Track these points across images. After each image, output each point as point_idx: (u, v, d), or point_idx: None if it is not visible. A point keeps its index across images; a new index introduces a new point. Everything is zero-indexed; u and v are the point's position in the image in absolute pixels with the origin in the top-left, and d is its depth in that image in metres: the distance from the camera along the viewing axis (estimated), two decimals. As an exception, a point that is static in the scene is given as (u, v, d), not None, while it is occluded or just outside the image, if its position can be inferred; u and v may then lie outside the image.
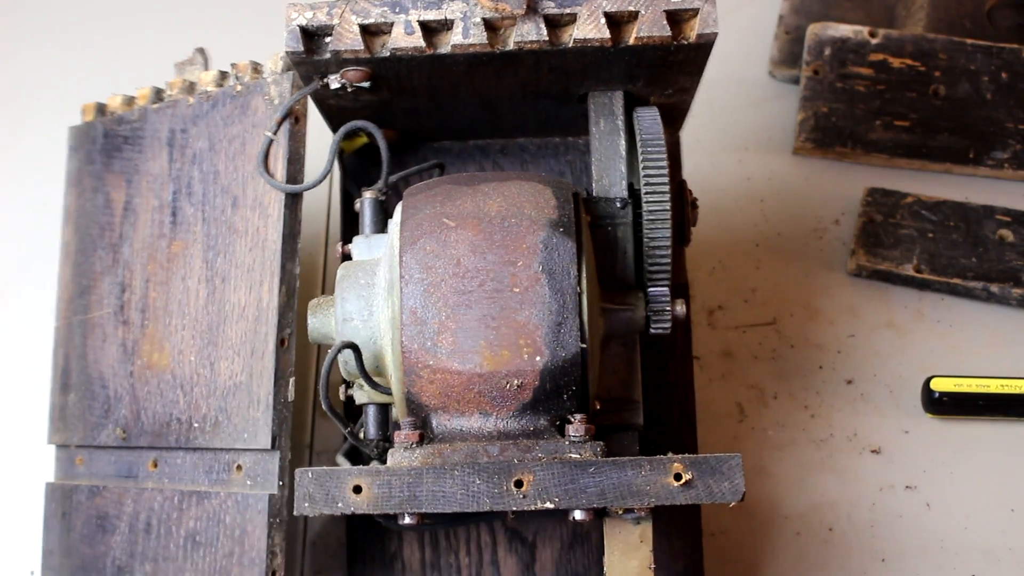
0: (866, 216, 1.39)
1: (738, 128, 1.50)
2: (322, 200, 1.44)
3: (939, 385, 1.28)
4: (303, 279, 1.07)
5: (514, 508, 0.85)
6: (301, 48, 0.97)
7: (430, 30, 0.96)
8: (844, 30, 1.47)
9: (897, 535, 1.27)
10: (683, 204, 1.07)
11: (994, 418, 1.30)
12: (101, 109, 1.24)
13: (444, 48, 0.96)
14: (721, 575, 1.26)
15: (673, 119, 1.13)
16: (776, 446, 1.31)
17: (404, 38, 0.96)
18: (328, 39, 0.97)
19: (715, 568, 1.24)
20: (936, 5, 1.49)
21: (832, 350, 1.36)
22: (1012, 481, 1.29)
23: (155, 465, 1.12)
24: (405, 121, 1.14)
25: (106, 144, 1.21)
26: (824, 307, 1.38)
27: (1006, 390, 1.28)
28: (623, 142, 1.03)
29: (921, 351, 1.35)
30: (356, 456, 1.11)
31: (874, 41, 1.46)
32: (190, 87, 1.17)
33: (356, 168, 1.18)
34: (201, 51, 1.18)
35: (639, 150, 0.98)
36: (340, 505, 0.85)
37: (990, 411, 1.29)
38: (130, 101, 1.22)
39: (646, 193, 0.97)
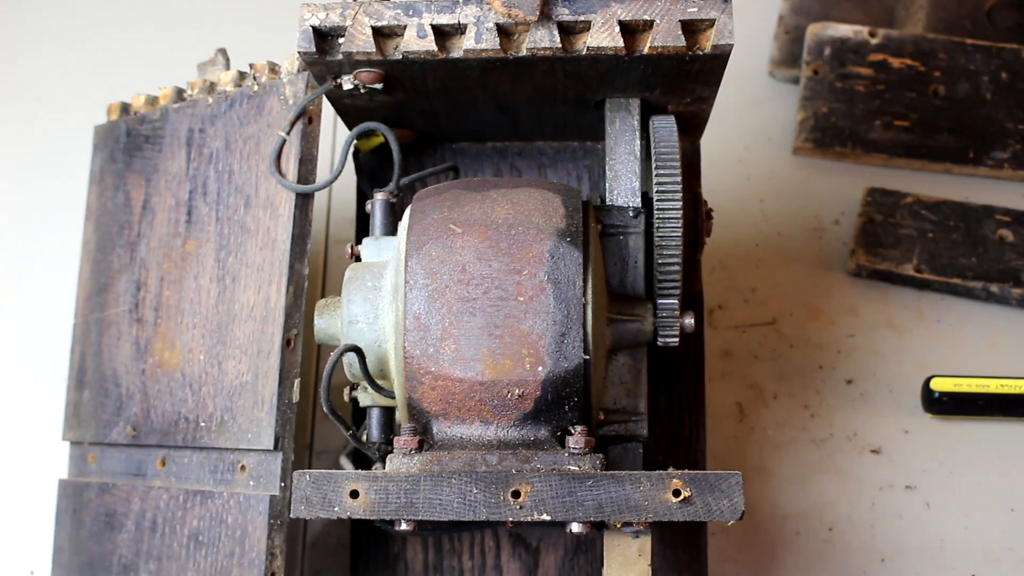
0: (866, 216, 1.39)
1: (738, 128, 1.50)
2: (323, 200, 1.44)
3: (939, 385, 1.29)
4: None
5: (511, 519, 0.85)
6: (313, 49, 0.96)
7: (443, 34, 0.96)
8: (844, 30, 1.48)
9: (897, 535, 1.28)
10: (697, 214, 1.07)
11: (994, 418, 1.31)
12: (125, 108, 1.25)
13: (457, 52, 0.96)
14: (722, 575, 1.26)
15: (692, 127, 1.12)
16: (776, 446, 1.32)
17: (416, 41, 0.95)
18: (341, 40, 0.97)
19: (716, 568, 1.25)
20: (936, 5, 1.50)
21: (832, 350, 1.36)
22: (1012, 481, 1.30)
23: (163, 463, 1.12)
24: (422, 122, 1.14)
25: (128, 143, 1.22)
26: (824, 307, 1.39)
27: (1006, 390, 1.28)
28: (638, 150, 1.03)
29: (921, 351, 1.36)
30: (360, 458, 1.11)
31: (874, 41, 1.47)
32: (210, 87, 1.17)
33: (372, 167, 1.18)
34: (222, 51, 1.18)
35: (653, 160, 0.98)
36: (337, 509, 0.86)
37: (990, 411, 1.30)
38: (153, 101, 1.23)
39: (658, 204, 0.96)
